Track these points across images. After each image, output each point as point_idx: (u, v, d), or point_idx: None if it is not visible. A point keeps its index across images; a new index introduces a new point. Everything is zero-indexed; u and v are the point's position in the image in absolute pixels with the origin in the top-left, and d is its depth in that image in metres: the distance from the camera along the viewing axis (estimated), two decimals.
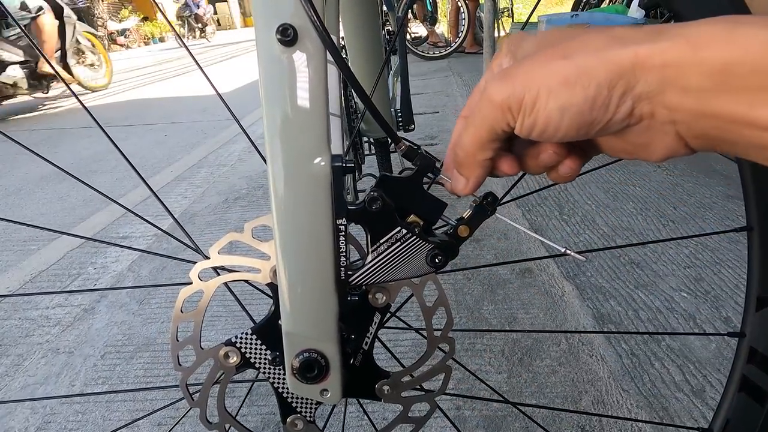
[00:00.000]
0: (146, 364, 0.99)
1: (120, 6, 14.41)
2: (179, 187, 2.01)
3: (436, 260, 0.30)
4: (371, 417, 0.79)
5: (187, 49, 0.42)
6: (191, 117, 3.42)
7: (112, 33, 12.78)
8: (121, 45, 12.96)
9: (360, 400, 0.63)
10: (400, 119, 1.33)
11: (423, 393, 0.37)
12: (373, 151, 1.44)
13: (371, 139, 1.38)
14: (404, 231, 0.30)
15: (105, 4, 12.63)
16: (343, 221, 0.30)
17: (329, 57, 0.29)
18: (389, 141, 1.08)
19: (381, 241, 0.30)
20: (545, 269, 1.19)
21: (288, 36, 0.27)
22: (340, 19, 1.03)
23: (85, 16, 12.37)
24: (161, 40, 14.58)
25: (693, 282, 1.09)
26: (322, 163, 0.29)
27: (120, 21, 13.51)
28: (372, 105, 0.30)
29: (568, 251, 0.28)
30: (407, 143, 0.31)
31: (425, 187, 0.32)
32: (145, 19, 14.54)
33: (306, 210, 0.29)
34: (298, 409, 0.35)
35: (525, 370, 0.89)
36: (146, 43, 14.06)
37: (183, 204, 1.82)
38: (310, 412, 0.35)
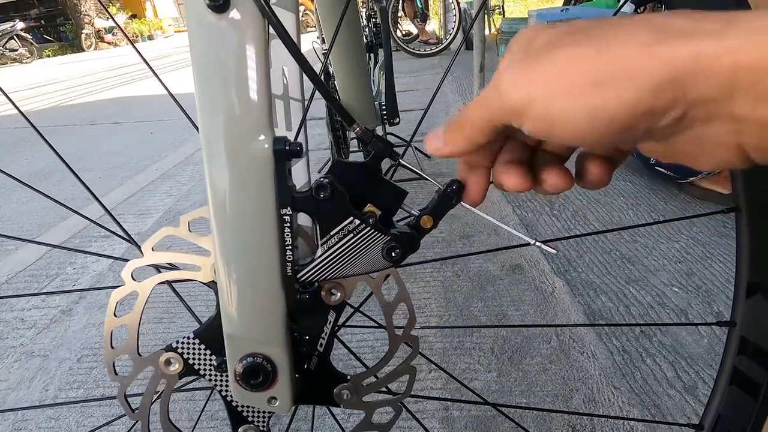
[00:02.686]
0: (124, 368, 0.95)
1: (108, 3, 14.22)
2: (164, 185, 1.97)
3: (393, 254, 0.27)
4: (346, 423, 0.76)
5: (138, 52, 0.39)
6: (178, 114, 3.36)
7: (99, 30, 12.59)
8: (109, 43, 12.78)
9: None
10: (384, 112, 1.30)
11: (389, 397, 0.34)
12: (360, 148, 1.41)
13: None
14: (357, 221, 0.27)
15: (92, 1, 12.47)
16: (288, 211, 0.27)
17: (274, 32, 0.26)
18: None
19: (332, 233, 0.27)
20: (535, 265, 1.17)
21: (218, 1, 0.24)
22: (318, 13, 1.00)
23: (72, 13, 12.18)
24: (150, 38, 14.40)
25: (684, 277, 1.07)
26: (265, 145, 0.26)
27: (107, 18, 13.32)
28: (320, 83, 0.27)
29: (536, 242, 0.25)
30: (362, 127, 0.28)
31: (385, 174, 0.29)
32: (134, 16, 14.34)
33: (245, 198, 0.26)
34: (250, 419, 0.32)
35: (515, 368, 0.87)
36: (134, 41, 13.86)
37: (167, 202, 1.78)
38: (263, 422, 0.32)
